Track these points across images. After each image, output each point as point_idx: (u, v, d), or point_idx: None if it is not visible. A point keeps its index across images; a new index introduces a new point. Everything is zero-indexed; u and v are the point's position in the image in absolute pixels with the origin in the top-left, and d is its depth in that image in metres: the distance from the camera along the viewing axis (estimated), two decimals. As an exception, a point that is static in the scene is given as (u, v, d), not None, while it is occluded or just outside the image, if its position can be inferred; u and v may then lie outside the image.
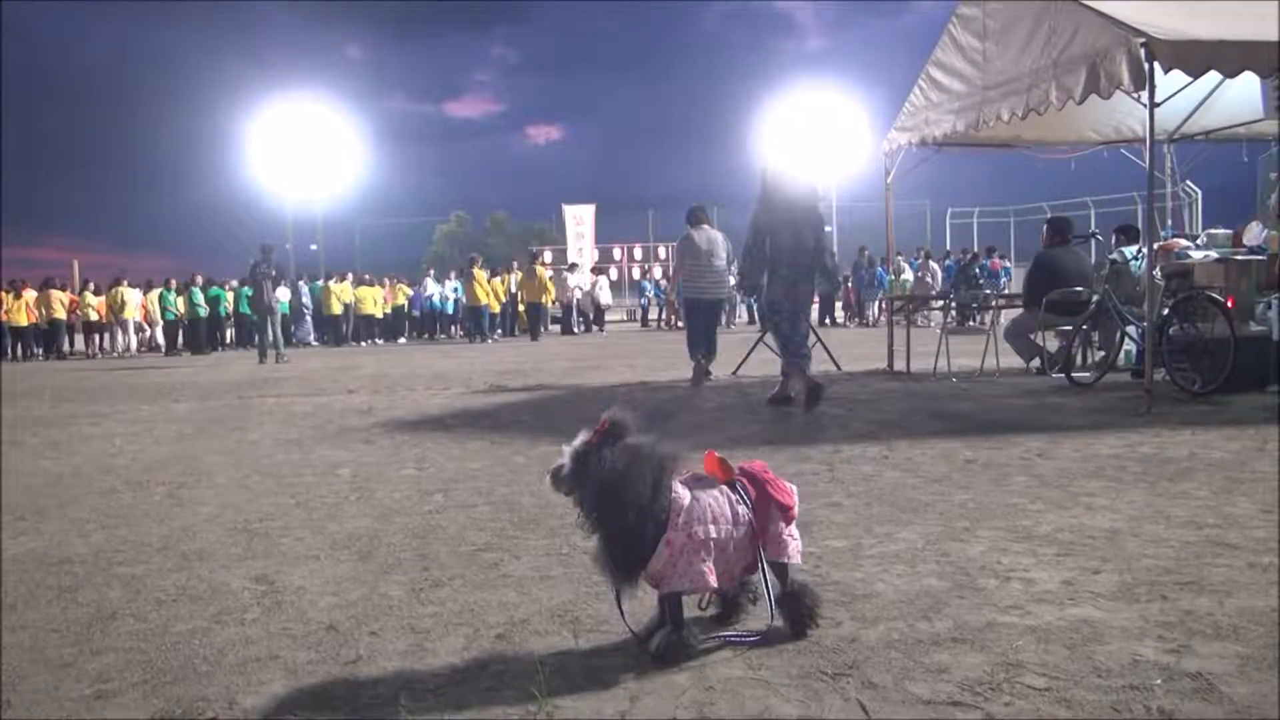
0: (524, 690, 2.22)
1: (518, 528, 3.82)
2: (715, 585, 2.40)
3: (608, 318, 28.75)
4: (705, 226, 10.07)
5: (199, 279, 24.09)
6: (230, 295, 23.91)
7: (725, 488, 2.50)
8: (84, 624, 2.83)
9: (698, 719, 2.06)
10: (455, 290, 26.53)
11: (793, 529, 2.54)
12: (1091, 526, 3.51)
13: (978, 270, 24.24)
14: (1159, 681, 2.14)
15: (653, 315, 29.91)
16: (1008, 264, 27.95)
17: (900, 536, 3.47)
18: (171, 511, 4.39)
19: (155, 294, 23.90)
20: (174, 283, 24.05)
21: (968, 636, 2.45)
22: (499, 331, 24.91)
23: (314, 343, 24.80)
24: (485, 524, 3.91)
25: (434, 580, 3.15)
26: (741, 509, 2.47)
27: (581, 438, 2.40)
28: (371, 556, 3.48)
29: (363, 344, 24.73)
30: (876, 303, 26.19)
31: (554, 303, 26.71)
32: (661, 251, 37.22)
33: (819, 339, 10.97)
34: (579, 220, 35.02)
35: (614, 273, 34.95)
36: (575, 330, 26.66)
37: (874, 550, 3.30)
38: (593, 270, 28.89)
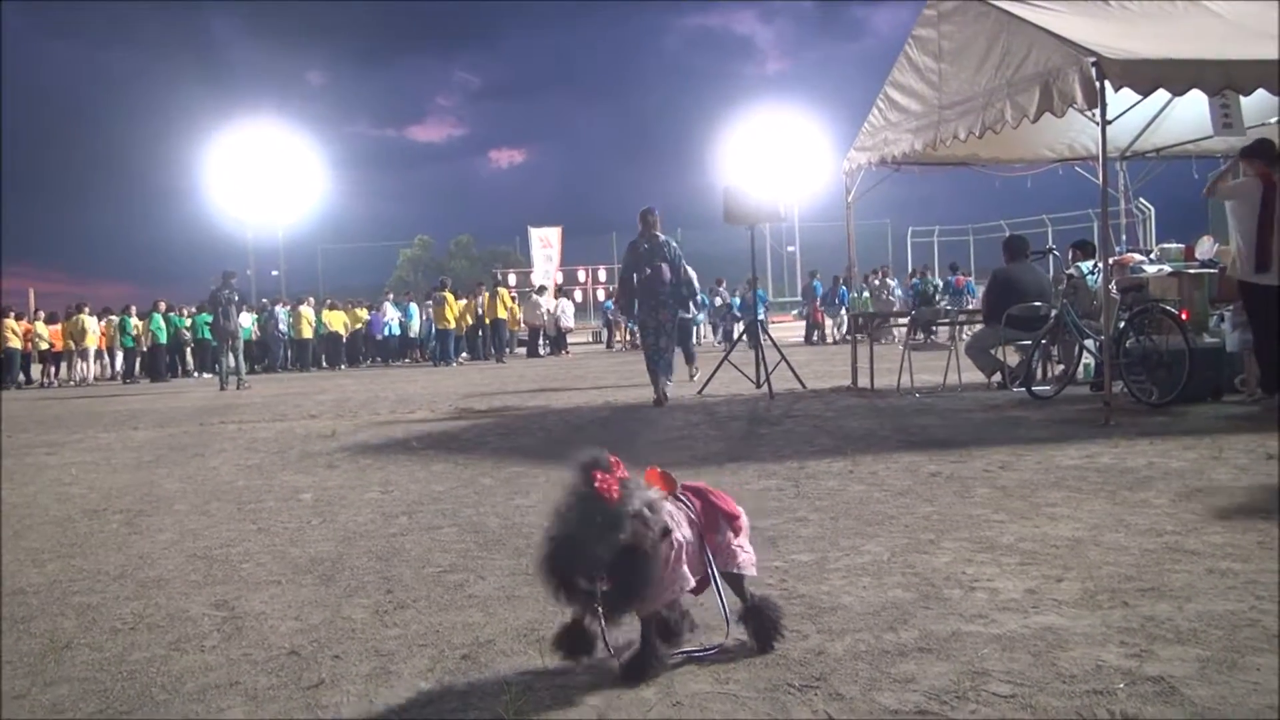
0: (491, 710, 2.20)
1: (483, 549, 3.79)
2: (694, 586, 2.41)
3: (571, 340, 28.71)
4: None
5: (161, 305, 23.75)
6: (189, 321, 23.59)
7: (671, 498, 2.46)
8: (37, 655, 2.76)
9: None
10: (410, 316, 26.40)
11: (743, 540, 2.53)
12: (1054, 536, 3.54)
13: (932, 288, 24.56)
14: (1121, 686, 2.16)
15: (618, 338, 29.90)
16: (970, 279, 28.36)
17: (866, 549, 3.48)
18: (129, 540, 4.31)
19: (115, 320, 23.54)
20: (133, 309, 23.71)
21: (934, 646, 2.46)
22: (464, 355, 24.79)
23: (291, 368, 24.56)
24: (450, 546, 3.87)
25: (398, 602, 3.11)
26: (691, 517, 2.45)
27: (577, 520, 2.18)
28: (334, 580, 3.43)
29: (339, 368, 24.54)
30: (836, 321, 26.47)
31: (519, 326, 26.65)
32: (626, 273, 37.40)
33: (783, 357, 11.05)
34: (545, 242, 35.00)
35: (578, 295, 34.95)
36: (541, 353, 26.60)
37: (840, 563, 3.31)
38: (556, 293, 28.85)
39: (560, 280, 32.92)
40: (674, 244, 9.87)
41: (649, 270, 9.50)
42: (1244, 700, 2.05)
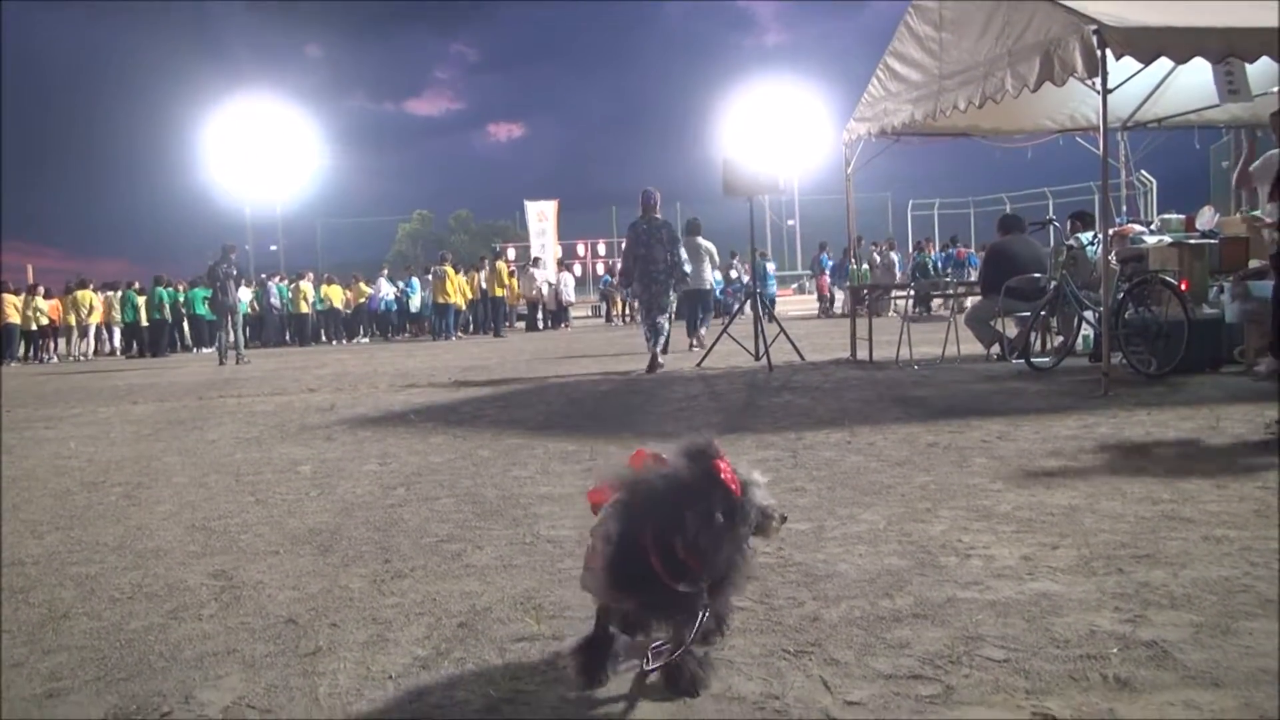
0: (487, 676, 2.21)
1: (481, 519, 3.80)
2: None
3: (570, 314, 28.67)
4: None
5: (166, 280, 23.73)
6: (182, 296, 23.56)
7: None
8: (36, 624, 2.77)
9: (662, 699, 2.05)
10: (410, 290, 26.34)
11: None
12: (1050, 504, 3.55)
13: (929, 260, 24.52)
14: (1115, 650, 2.17)
15: (615, 311, 29.86)
16: (971, 251, 28.31)
17: (862, 518, 3.49)
18: (127, 511, 4.32)
19: (117, 295, 23.53)
20: (136, 284, 23.70)
21: (928, 612, 2.47)
22: (459, 332, 24.76)
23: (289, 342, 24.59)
24: (448, 516, 3.88)
25: (395, 572, 3.12)
26: None
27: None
28: (332, 550, 3.44)
29: (334, 343, 24.57)
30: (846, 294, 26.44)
31: (519, 300, 26.62)
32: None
33: (782, 329, 11.04)
34: (541, 216, 34.86)
35: (577, 269, 34.92)
36: (539, 327, 26.59)
37: (836, 532, 3.32)
38: (557, 266, 28.78)
39: (559, 254, 32.88)
40: (670, 225, 10.58)
41: (644, 249, 10.28)
42: (1236, 664, 2.06)
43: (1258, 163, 7.18)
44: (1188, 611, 2.38)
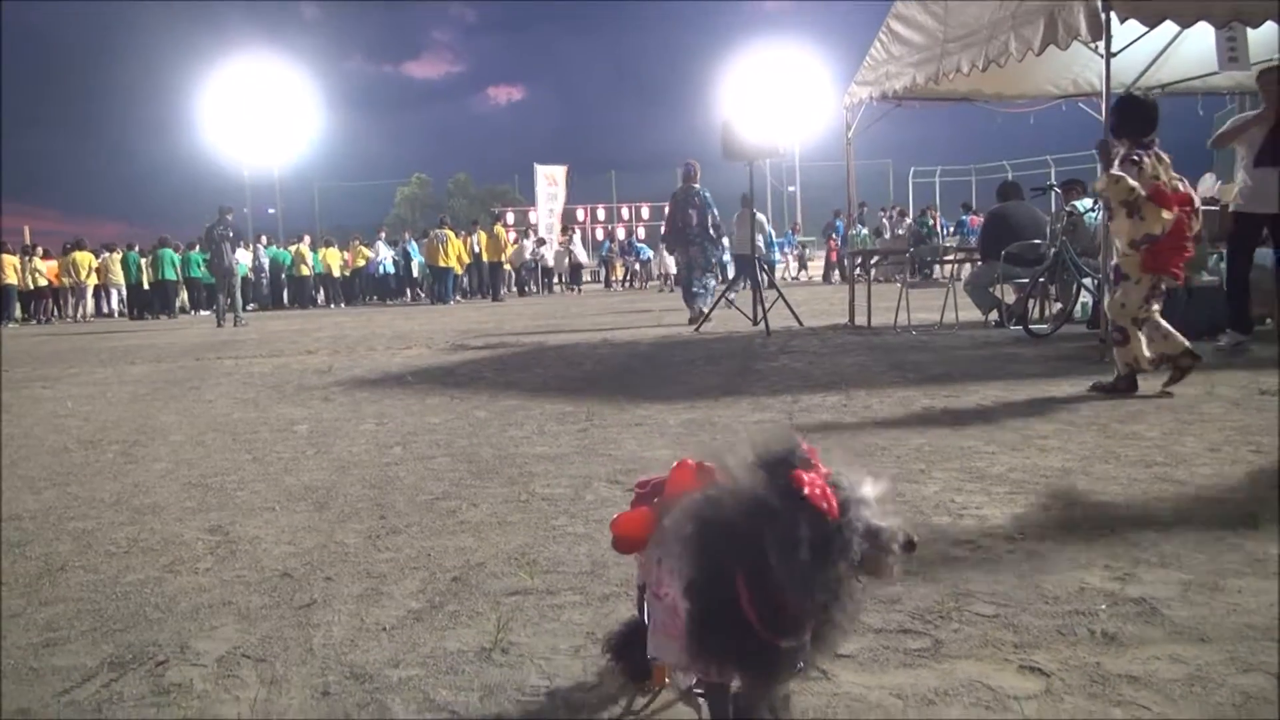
0: (480, 629, 2.23)
1: (476, 477, 3.81)
2: None
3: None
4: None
5: (169, 241, 23.63)
6: (179, 259, 23.48)
7: None
8: (33, 577, 2.79)
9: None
10: (412, 253, 26.19)
11: None
12: (1044, 467, 3.56)
13: (926, 228, 24.42)
14: (1104, 607, 2.18)
15: (614, 277, 29.79)
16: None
17: (856, 479, 3.49)
18: (124, 469, 4.33)
19: (116, 257, 23.46)
20: (136, 246, 23.65)
21: (919, 570, 2.48)
22: (458, 296, 24.69)
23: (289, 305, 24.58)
24: (443, 474, 3.89)
25: (391, 528, 3.13)
26: None
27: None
28: (328, 507, 3.45)
29: (332, 306, 24.56)
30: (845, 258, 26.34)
31: (511, 265, 26.54)
32: (624, 212, 37.00)
33: (780, 295, 11.04)
34: (551, 180, 34.21)
35: (577, 234, 34.69)
36: (535, 291, 26.53)
37: (830, 492, 3.33)
38: (564, 229, 28.53)
39: (563, 219, 32.53)
40: (706, 193, 11.70)
41: (683, 214, 11.63)
42: (1223, 620, 2.08)
43: (1229, 123, 7.13)
44: (1177, 570, 2.40)
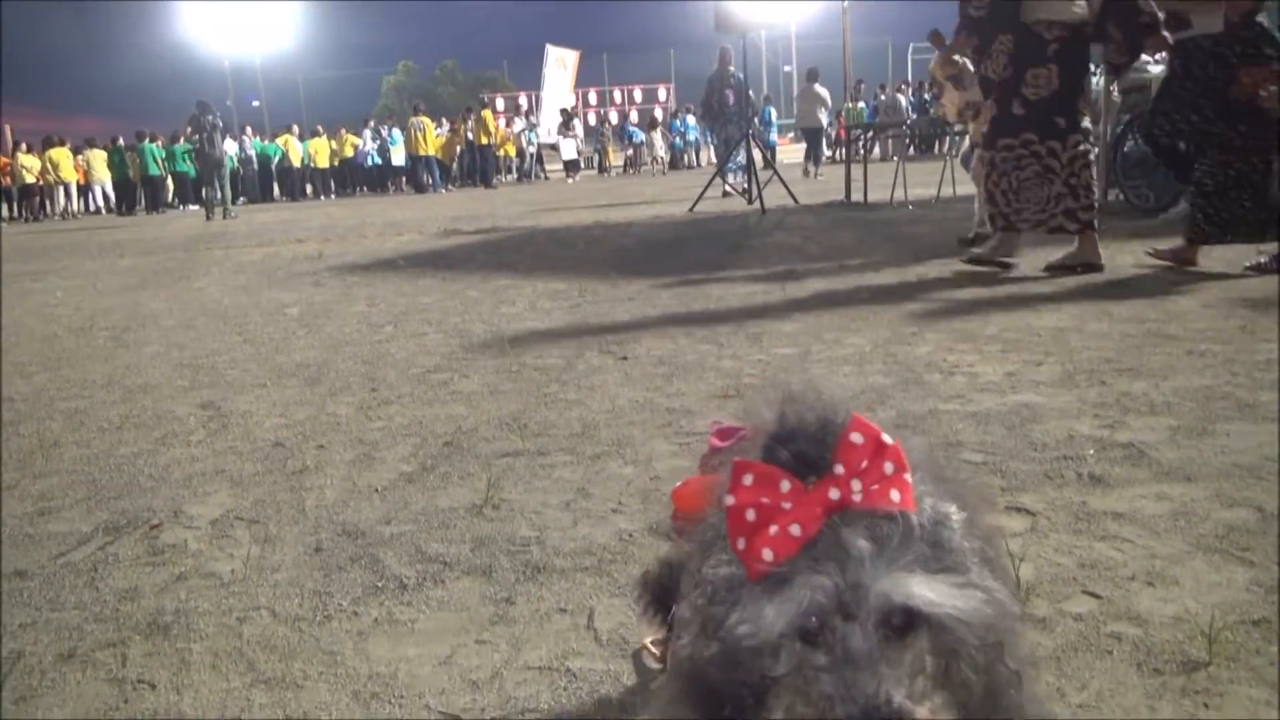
0: (471, 488, 2.24)
1: (468, 351, 3.80)
2: None
3: (554, 167, 27.93)
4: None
5: (151, 134, 23.11)
6: (163, 153, 23.00)
7: None
8: (27, 452, 2.79)
9: (644, 507, 2.08)
10: (391, 141, 25.51)
11: None
12: (1038, 326, 3.54)
13: (926, 101, 23.86)
14: (1091, 452, 2.19)
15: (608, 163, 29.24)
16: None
17: (849, 342, 3.49)
18: (115, 353, 4.31)
19: (100, 154, 22.99)
20: (120, 140, 23.14)
21: (909, 423, 2.49)
22: (449, 185, 24.26)
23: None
24: (435, 349, 3.87)
25: (382, 399, 3.13)
26: None
27: None
28: (319, 382, 3.45)
29: (321, 198, 24.21)
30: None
31: (511, 150, 26.03)
32: (617, 95, 36.17)
33: (776, 173, 10.88)
34: (561, 63, 32.79)
35: (577, 121, 33.81)
36: (535, 178, 26.10)
37: (822, 355, 3.32)
38: (562, 114, 27.77)
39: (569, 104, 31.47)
40: (739, 75, 12.06)
41: (719, 96, 12.57)
42: (1210, 461, 2.09)
43: None
44: (1166, 417, 2.40)
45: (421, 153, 22.91)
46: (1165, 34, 4.53)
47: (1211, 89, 4.42)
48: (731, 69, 12.50)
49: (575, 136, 26.25)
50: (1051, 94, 4.57)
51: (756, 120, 17.58)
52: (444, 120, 25.39)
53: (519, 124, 26.67)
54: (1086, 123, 4.69)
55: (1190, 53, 4.52)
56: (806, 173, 16.83)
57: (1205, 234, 4.63)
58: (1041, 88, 4.56)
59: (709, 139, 23.16)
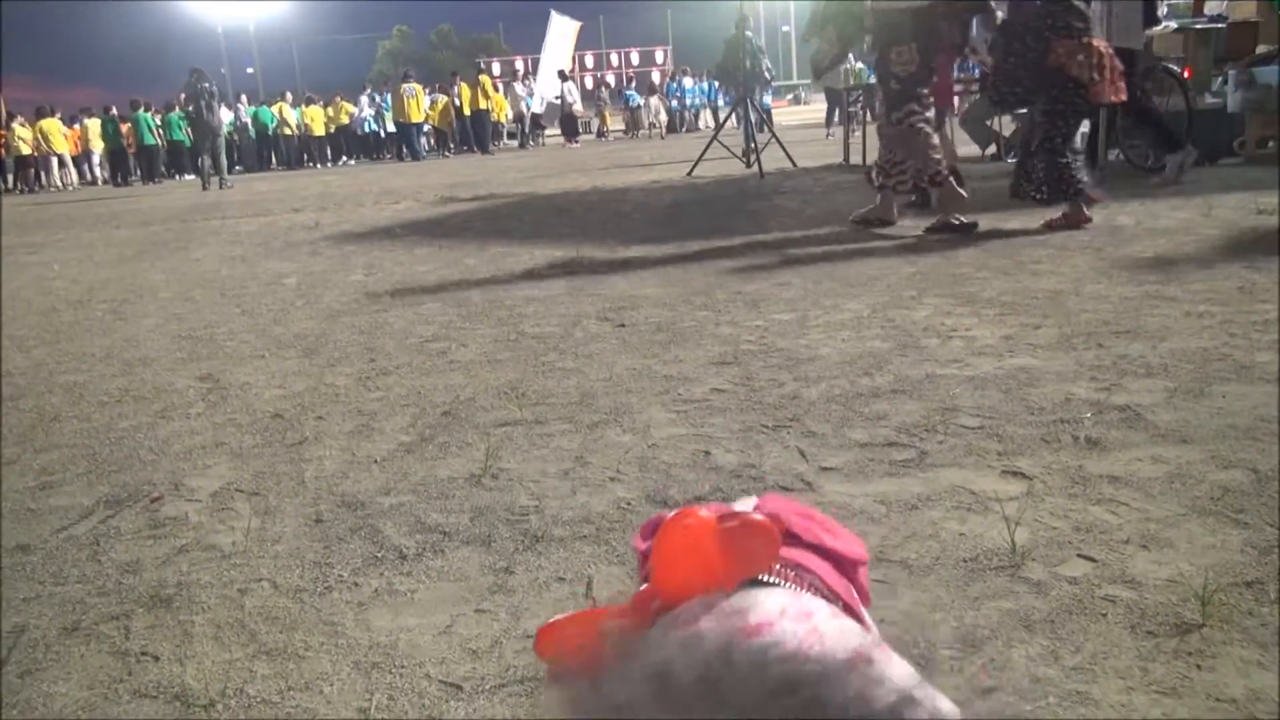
0: (470, 458, 2.25)
1: (466, 320, 3.80)
2: None
3: (551, 132, 27.65)
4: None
5: (145, 104, 22.90)
6: (158, 121, 22.79)
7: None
8: (27, 427, 2.80)
9: (642, 474, 2.09)
10: (385, 107, 25.21)
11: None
12: (1035, 289, 3.54)
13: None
14: (1089, 415, 2.19)
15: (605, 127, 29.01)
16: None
17: (847, 307, 3.48)
18: (114, 325, 4.31)
19: (95, 123, 22.81)
20: (114, 110, 22.95)
21: (906, 388, 2.49)
22: (446, 151, 24.06)
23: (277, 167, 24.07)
24: (433, 319, 3.87)
25: (381, 369, 3.13)
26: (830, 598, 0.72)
27: None
28: (317, 353, 3.45)
29: (317, 166, 24.04)
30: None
31: (506, 116, 25.78)
32: (614, 58, 35.85)
33: (774, 136, 10.81)
34: (562, 33, 32.34)
35: (574, 84, 33.39)
36: (532, 144, 25.89)
37: (820, 320, 3.32)
38: (560, 76, 27.42)
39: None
40: (755, 40, 13.17)
41: (734, 59, 12.37)
42: (1206, 423, 2.09)
43: None
44: (1163, 379, 2.40)
45: (415, 120, 22.65)
46: (996, 11, 5.16)
47: (1030, 60, 4.83)
48: (749, 33, 12.68)
49: (573, 100, 25.97)
50: (916, 70, 5.08)
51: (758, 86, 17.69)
52: (437, 86, 25.10)
53: (519, 89, 26.36)
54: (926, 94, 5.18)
55: (1013, 28, 4.97)
56: (830, 135, 16.79)
57: (1021, 190, 5.06)
58: (907, 64, 5.07)
59: (727, 99, 22.99)
